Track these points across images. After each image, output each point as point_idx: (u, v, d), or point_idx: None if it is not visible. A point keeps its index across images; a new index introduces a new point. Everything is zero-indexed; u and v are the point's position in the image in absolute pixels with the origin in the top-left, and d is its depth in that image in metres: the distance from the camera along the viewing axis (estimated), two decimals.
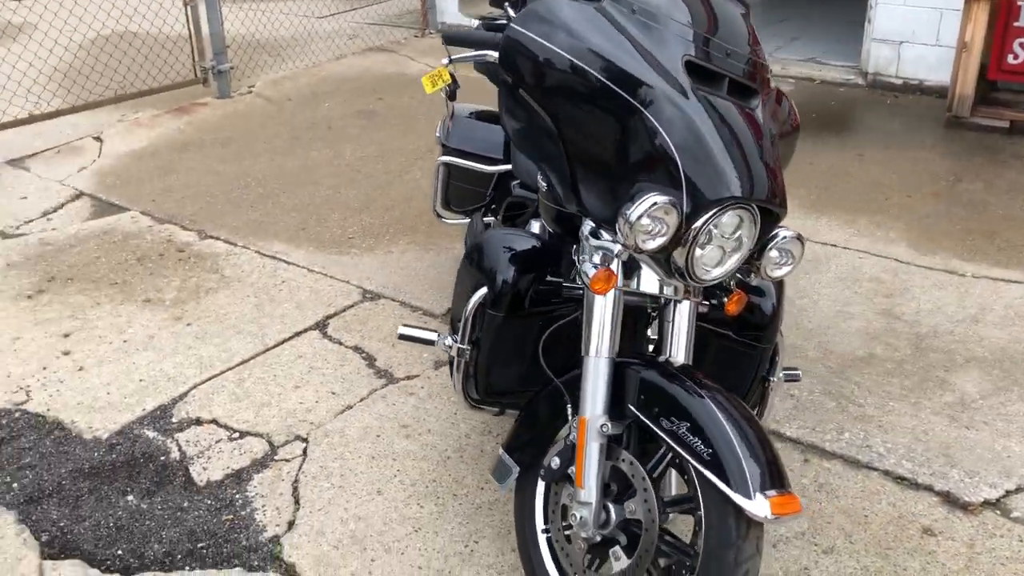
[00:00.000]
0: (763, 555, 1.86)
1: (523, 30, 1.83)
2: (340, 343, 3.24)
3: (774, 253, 1.94)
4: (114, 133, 5.42)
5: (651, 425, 1.88)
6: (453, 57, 2.29)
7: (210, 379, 3.04)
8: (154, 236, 4.08)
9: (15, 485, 2.60)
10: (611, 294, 1.92)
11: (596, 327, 1.93)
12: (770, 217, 1.88)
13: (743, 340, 2.21)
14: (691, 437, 1.81)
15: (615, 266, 1.92)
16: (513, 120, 1.95)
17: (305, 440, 2.75)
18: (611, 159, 1.85)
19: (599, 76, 1.80)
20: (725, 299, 2.11)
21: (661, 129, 1.78)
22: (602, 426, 1.91)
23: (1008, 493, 2.50)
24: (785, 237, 1.94)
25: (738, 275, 2.14)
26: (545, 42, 1.81)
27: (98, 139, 5.32)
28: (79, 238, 4.07)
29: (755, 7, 2.28)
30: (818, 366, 3.06)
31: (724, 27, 2.02)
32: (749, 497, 1.72)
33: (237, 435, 2.78)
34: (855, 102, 5.81)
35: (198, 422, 2.84)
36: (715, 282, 1.93)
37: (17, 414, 2.89)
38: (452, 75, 2.70)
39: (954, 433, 2.74)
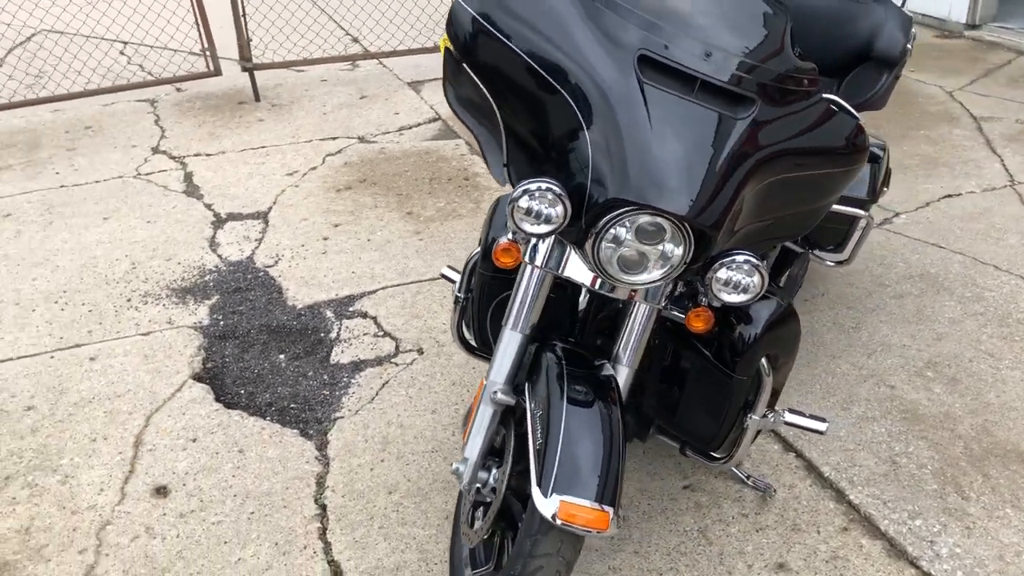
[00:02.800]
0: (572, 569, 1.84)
1: (464, 4, 1.91)
2: None
3: (721, 274, 1.84)
4: None
5: (522, 402, 1.94)
6: None
7: (398, 286, 3.53)
8: (458, 163, 4.66)
9: (221, 323, 3.35)
10: (533, 273, 1.98)
11: (517, 301, 2.02)
12: (705, 238, 1.76)
13: (717, 366, 2.10)
14: (539, 424, 1.86)
15: (543, 247, 1.96)
16: (454, 87, 2.03)
17: (421, 352, 3.12)
18: (537, 140, 1.89)
19: (529, 59, 1.83)
20: (686, 313, 2.03)
21: (581, 119, 1.79)
22: (495, 392, 2.01)
23: None
24: (735, 260, 1.83)
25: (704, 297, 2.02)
26: (483, 20, 1.88)
27: None
28: (406, 153, 4.81)
29: None
30: (957, 444, 2.63)
31: (727, 27, 1.91)
32: (544, 495, 1.74)
33: (381, 334, 3.25)
34: None
35: (364, 315, 3.36)
36: (644, 287, 1.87)
37: (261, 273, 3.67)
38: None
39: None
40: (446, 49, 2.01)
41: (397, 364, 3.08)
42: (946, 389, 2.86)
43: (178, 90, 5.95)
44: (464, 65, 1.95)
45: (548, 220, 1.81)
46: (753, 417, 2.16)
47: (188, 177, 4.60)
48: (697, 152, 1.78)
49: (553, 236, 1.87)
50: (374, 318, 3.34)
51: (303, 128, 5.19)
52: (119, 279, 3.62)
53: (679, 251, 1.79)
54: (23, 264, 3.77)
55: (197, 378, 3.04)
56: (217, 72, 5.65)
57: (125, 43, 6.81)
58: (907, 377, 2.92)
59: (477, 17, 1.89)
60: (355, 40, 6.77)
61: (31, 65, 6.38)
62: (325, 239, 3.91)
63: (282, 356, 3.17)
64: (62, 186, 4.53)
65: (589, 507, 1.75)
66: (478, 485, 2.05)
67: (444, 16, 5.46)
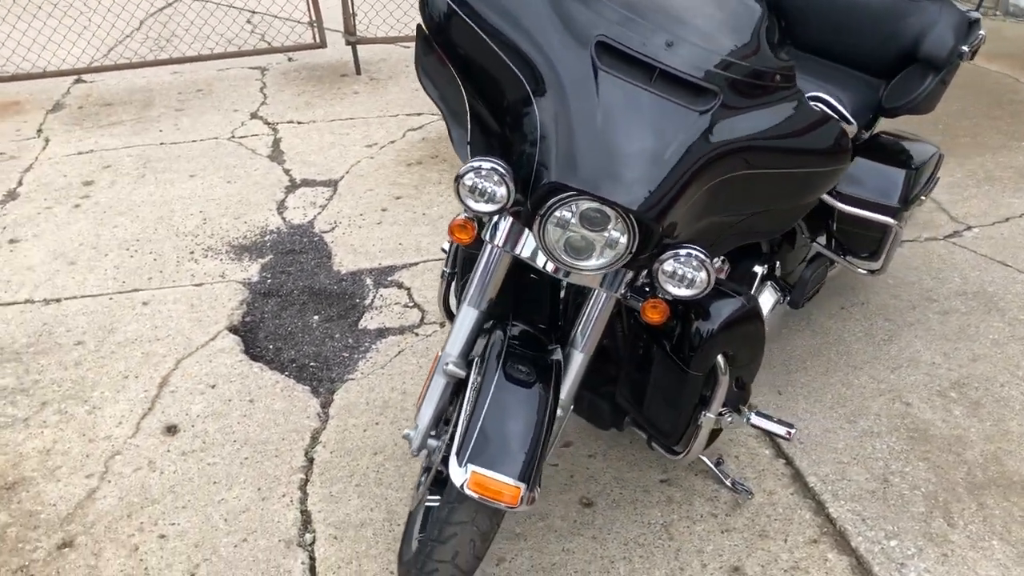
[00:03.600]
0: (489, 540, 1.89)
1: None
2: None
3: (667, 266, 1.84)
4: None
5: (469, 375, 2.00)
6: None
7: (439, 260, 3.63)
8: None
9: (268, 281, 3.54)
10: (491, 251, 2.02)
11: (475, 278, 2.07)
12: (649, 229, 1.74)
13: (673, 360, 2.10)
14: (476, 396, 1.91)
15: (503, 227, 1.98)
16: (424, 65, 2.06)
17: (443, 326, 3.21)
18: (496, 121, 1.93)
19: (491, 43, 1.87)
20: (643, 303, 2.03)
21: (535, 103, 1.82)
22: (447, 364, 2.06)
23: None
24: (680, 254, 1.82)
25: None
26: (453, 2, 1.92)
27: None
28: None
29: None
30: (960, 469, 2.52)
31: (692, 18, 1.90)
32: (459, 463, 1.80)
33: (411, 305, 3.36)
34: None
35: (399, 286, 3.48)
36: (594, 273, 1.88)
37: (316, 238, 3.84)
38: None
39: None
40: (418, 26, 2.06)
41: (417, 335, 3.17)
42: (966, 412, 2.73)
43: (289, 59, 6.23)
44: (434, 44, 2.00)
45: (492, 199, 1.85)
46: (708, 415, 2.15)
47: (276, 143, 4.83)
48: (646, 141, 1.78)
49: (509, 216, 1.91)
50: (408, 289, 3.45)
51: (393, 102, 5.35)
52: (188, 232, 3.86)
53: (624, 240, 1.79)
54: (109, 212, 4.07)
55: (232, 330, 3.22)
56: (323, 44, 5.88)
57: (253, 12, 7.16)
58: (927, 396, 2.80)
59: (446, 1, 1.93)
60: None
61: (165, 28, 6.81)
62: (384, 210, 4.05)
63: (316, 317, 3.31)
64: (161, 143, 4.84)
65: (500, 480, 1.78)
66: (426, 451, 2.11)
67: None
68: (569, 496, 2.46)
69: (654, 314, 2.00)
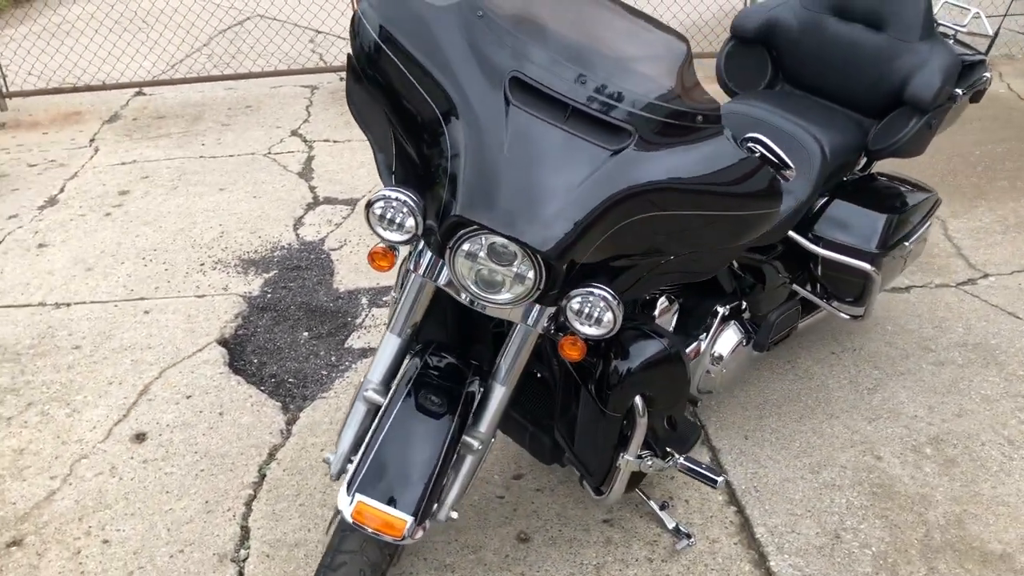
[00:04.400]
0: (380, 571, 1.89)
1: (364, 19, 1.95)
2: None
3: (575, 304, 1.82)
4: None
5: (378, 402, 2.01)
6: None
7: None
8: None
9: (268, 296, 3.63)
10: (413, 279, 2.03)
11: (398, 306, 2.09)
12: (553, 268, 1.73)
13: (593, 398, 2.07)
14: (378, 424, 1.93)
15: (427, 256, 1.97)
16: (352, 92, 2.06)
17: None
18: (415, 152, 1.93)
19: (411, 77, 1.88)
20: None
21: (448, 137, 1.83)
22: (367, 390, 2.08)
23: None
24: (588, 293, 1.80)
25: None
26: (378, 38, 1.92)
27: None
28: None
29: None
30: (918, 529, 2.42)
31: (610, 55, 1.89)
32: (347, 492, 1.82)
33: None
34: None
35: None
36: (502, 307, 1.88)
37: (323, 255, 3.92)
38: None
39: None
40: (348, 56, 2.08)
41: None
42: (938, 470, 2.61)
43: (341, 79, 6.36)
44: (361, 74, 2.02)
45: (401, 228, 1.87)
46: (626, 457, 2.11)
47: (308, 160, 4.94)
48: (554, 179, 1.77)
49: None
50: None
51: None
52: (204, 244, 3.99)
53: (531, 276, 1.78)
54: (135, 222, 4.23)
55: (222, 342, 3.30)
56: None
57: (317, 31, 7.35)
58: (900, 450, 2.69)
59: (372, 33, 1.94)
60: None
61: (231, 44, 7.05)
62: None
63: (306, 333, 3.38)
64: (201, 156, 5.01)
65: (383, 512, 1.79)
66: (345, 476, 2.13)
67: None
68: (508, 529, 2.44)
69: (572, 351, 1.98)
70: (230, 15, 7.76)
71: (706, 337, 2.54)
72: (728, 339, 2.59)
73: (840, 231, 2.69)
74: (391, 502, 1.81)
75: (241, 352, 3.27)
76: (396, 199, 1.84)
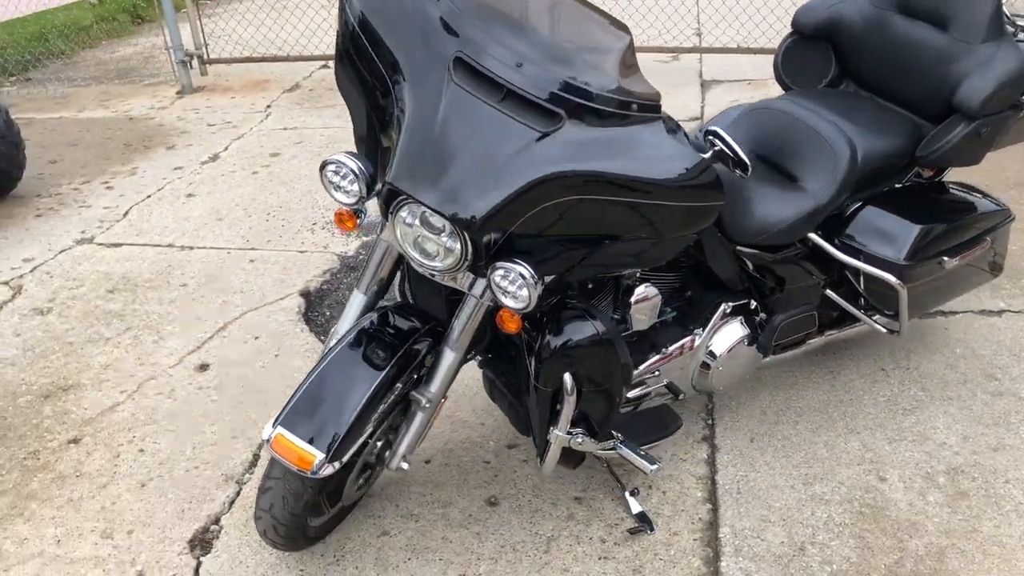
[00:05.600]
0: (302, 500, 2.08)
1: (347, 2, 2.12)
2: None
3: (496, 277, 1.93)
4: None
5: None
6: None
7: None
8: None
9: (361, 256, 3.91)
10: (378, 242, 2.21)
11: (365, 266, 2.27)
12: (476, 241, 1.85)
13: (529, 371, 2.17)
14: (315, 365, 2.12)
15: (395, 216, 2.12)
16: (338, 67, 2.21)
17: None
18: (379, 123, 2.10)
19: (374, 51, 2.04)
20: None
21: (397, 110, 1.99)
22: (331, 342, 2.28)
23: None
24: (510, 268, 1.89)
25: None
26: (356, 20, 2.07)
27: None
28: None
29: None
30: (889, 556, 2.30)
31: (549, 42, 1.97)
32: (273, 424, 2.03)
33: None
34: None
35: None
36: (440, 273, 2.01)
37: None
38: None
39: None
40: (337, 32, 2.25)
41: None
42: (943, 500, 2.45)
43: None
44: (343, 52, 2.20)
45: (348, 192, 2.04)
46: (556, 432, 2.17)
47: None
48: (482, 156, 1.88)
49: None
50: None
51: None
52: (323, 207, 4.34)
53: (457, 246, 1.91)
54: (274, 181, 4.66)
55: (303, 294, 3.62)
56: None
57: None
58: (911, 475, 2.54)
59: (352, 16, 2.09)
60: (697, 33, 6.87)
61: None
62: None
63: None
64: None
65: (298, 445, 1.98)
66: None
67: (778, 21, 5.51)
68: (481, 492, 2.56)
69: (510, 323, 2.08)
70: None
71: (702, 332, 2.52)
72: (727, 337, 2.55)
73: (868, 238, 2.57)
74: (307, 437, 1.98)
75: (318, 304, 3.56)
76: (345, 164, 2.00)
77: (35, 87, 6.66)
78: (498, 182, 1.85)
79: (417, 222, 1.94)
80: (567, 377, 2.11)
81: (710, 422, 2.80)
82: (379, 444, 2.30)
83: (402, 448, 2.26)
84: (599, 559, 2.33)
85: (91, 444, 2.81)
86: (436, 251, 1.96)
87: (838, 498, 2.48)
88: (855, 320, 2.78)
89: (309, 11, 6.79)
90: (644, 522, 2.41)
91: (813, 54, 2.90)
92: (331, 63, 6.88)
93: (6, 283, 3.79)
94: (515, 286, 1.91)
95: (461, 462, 2.67)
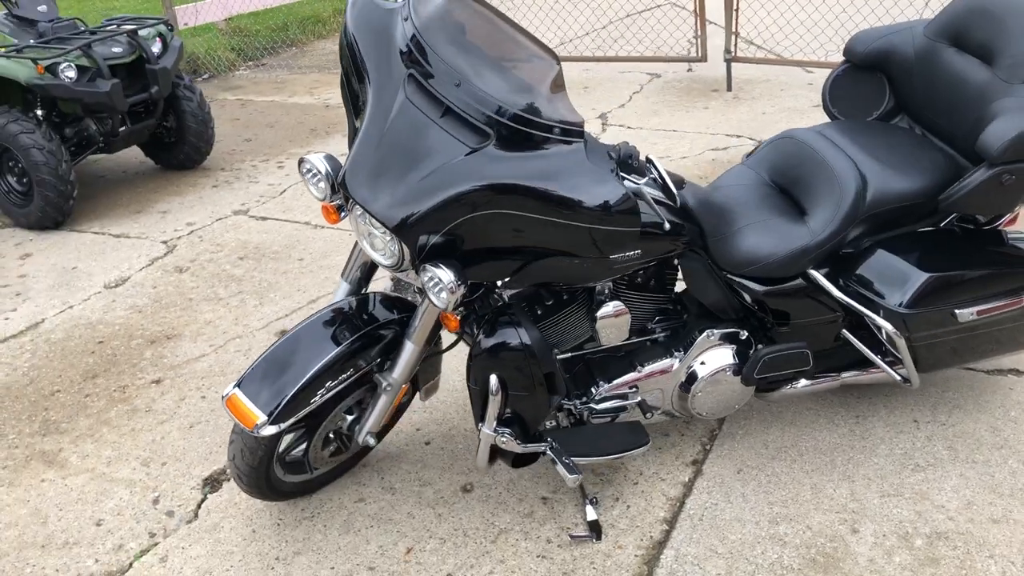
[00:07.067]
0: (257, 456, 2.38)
1: (349, 4, 2.34)
2: None
3: (424, 275, 2.13)
4: None
5: None
6: None
7: None
8: None
9: None
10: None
11: (350, 256, 2.53)
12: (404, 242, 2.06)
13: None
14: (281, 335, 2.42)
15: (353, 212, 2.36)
16: (342, 75, 2.44)
17: None
18: (355, 125, 2.34)
19: (354, 63, 2.27)
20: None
21: (366, 110, 2.22)
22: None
23: None
24: (432, 270, 2.08)
25: None
26: (348, 32, 2.31)
27: None
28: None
29: None
30: None
31: (489, 64, 2.13)
32: (234, 384, 2.34)
33: None
34: None
35: None
36: (388, 268, 2.25)
37: None
38: None
39: None
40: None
41: None
42: (908, 563, 2.32)
43: (689, 70, 6.59)
44: (340, 60, 2.45)
45: (319, 190, 2.31)
46: (483, 429, 2.31)
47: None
48: (417, 165, 2.08)
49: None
50: None
51: (728, 122, 5.47)
52: None
53: (394, 247, 2.14)
54: None
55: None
56: (703, 59, 6.14)
57: (709, 22, 7.58)
58: (886, 532, 2.42)
59: (344, 34, 2.32)
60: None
61: (627, 28, 7.57)
62: None
63: None
64: None
65: (247, 406, 2.26)
66: None
67: None
68: (460, 478, 2.73)
69: (449, 322, 2.26)
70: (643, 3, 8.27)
71: (682, 355, 2.54)
72: (711, 363, 2.55)
73: (872, 281, 2.47)
74: (255, 399, 2.26)
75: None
76: (314, 165, 2.26)
77: (264, 72, 7.49)
78: (426, 190, 2.03)
79: (364, 221, 2.15)
80: (492, 378, 2.24)
81: (708, 447, 2.79)
82: (349, 418, 2.54)
83: (368, 425, 2.49)
84: (537, 557, 2.43)
85: (168, 386, 3.26)
86: (382, 248, 2.16)
87: (797, 542, 2.41)
88: (873, 365, 2.66)
89: (509, 13, 7.11)
90: (593, 531, 2.48)
91: (865, 85, 2.79)
92: None
93: (165, 242, 4.40)
94: (435, 289, 2.07)
95: (455, 448, 2.85)
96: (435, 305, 2.12)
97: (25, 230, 4.69)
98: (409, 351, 2.36)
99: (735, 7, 5.84)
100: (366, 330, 2.35)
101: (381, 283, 2.68)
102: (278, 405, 2.24)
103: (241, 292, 3.87)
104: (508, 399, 2.29)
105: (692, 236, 2.42)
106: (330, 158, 2.31)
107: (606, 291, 2.43)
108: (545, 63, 2.13)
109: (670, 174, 2.34)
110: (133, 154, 5.60)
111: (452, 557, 2.44)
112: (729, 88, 6.02)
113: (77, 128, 4.82)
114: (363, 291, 2.54)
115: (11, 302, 3.96)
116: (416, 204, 2.04)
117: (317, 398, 2.30)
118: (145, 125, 4.95)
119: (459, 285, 2.06)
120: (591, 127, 5.54)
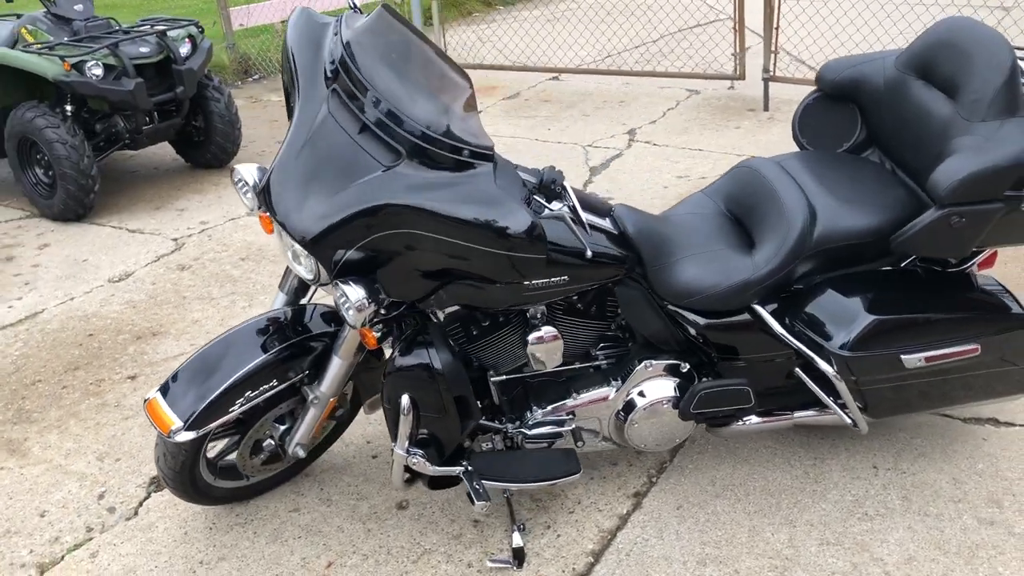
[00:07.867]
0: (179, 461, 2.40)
1: (294, 16, 2.34)
2: None
3: (337, 294, 2.15)
4: None
5: None
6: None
7: None
8: None
9: None
10: None
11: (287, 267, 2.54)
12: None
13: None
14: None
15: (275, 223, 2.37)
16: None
17: None
18: None
19: (289, 69, 2.28)
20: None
21: (292, 122, 2.24)
22: None
23: None
24: (342, 287, 2.08)
25: None
26: (288, 31, 2.32)
27: None
28: None
29: None
30: None
31: (406, 85, 2.12)
32: (158, 388, 2.37)
33: None
34: None
35: None
36: (312, 283, 2.26)
37: None
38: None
39: None
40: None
41: None
42: None
43: (730, 88, 6.46)
44: (282, 72, 2.46)
45: (248, 199, 2.32)
46: (395, 449, 2.28)
47: (614, 157, 5.28)
48: (328, 179, 2.09)
49: None
50: None
51: (754, 143, 5.34)
52: None
53: (311, 261, 2.15)
54: None
55: None
56: (741, 76, 6.02)
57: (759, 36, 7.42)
58: None
59: (285, 47, 2.33)
60: None
61: (679, 44, 7.45)
62: None
63: None
64: (536, 139, 5.65)
65: (164, 411, 2.29)
66: None
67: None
68: (399, 495, 2.71)
69: (367, 338, 2.25)
70: (703, 14, 8.14)
71: (620, 384, 2.48)
72: (649, 394, 2.48)
73: (816, 319, 2.37)
74: (173, 404, 2.28)
75: None
76: (242, 173, 2.28)
77: None
78: (340, 207, 2.03)
79: (284, 233, 2.15)
80: (404, 398, 2.21)
81: (655, 479, 2.71)
82: (281, 428, 2.54)
83: (296, 436, 2.50)
84: None
85: (142, 383, 3.33)
86: (304, 262, 2.17)
87: None
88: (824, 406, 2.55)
89: (558, 25, 7.09)
90: (516, 558, 2.43)
91: (837, 114, 2.68)
92: (562, 76, 7.16)
93: (175, 239, 4.50)
94: (344, 306, 2.07)
95: None
96: (346, 321, 2.11)
97: (49, 221, 4.85)
98: (336, 365, 2.36)
99: (775, 25, 5.70)
100: (295, 340, 2.36)
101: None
102: (195, 412, 2.26)
103: (234, 293, 3.93)
104: (420, 420, 2.26)
105: (629, 263, 2.36)
106: (261, 169, 2.32)
107: (539, 315, 2.39)
108: (457, 84, 2.11)
109: (598, 200, 2.28)
110: (166, 151, 5.75)
111: (371, 575, 2.42)
112: (766, 108, 5.88)
113: (106, 124, 4.96)
114: (300, 301, 2.53)
115: (19, 291, 4.09)
116: (328, 220, 2.04)
117: (236, 407, 2.31)
118: (170, 124, 5.07)
119: (369, 303, 2.05)
120: (618, 142, 5.48)
